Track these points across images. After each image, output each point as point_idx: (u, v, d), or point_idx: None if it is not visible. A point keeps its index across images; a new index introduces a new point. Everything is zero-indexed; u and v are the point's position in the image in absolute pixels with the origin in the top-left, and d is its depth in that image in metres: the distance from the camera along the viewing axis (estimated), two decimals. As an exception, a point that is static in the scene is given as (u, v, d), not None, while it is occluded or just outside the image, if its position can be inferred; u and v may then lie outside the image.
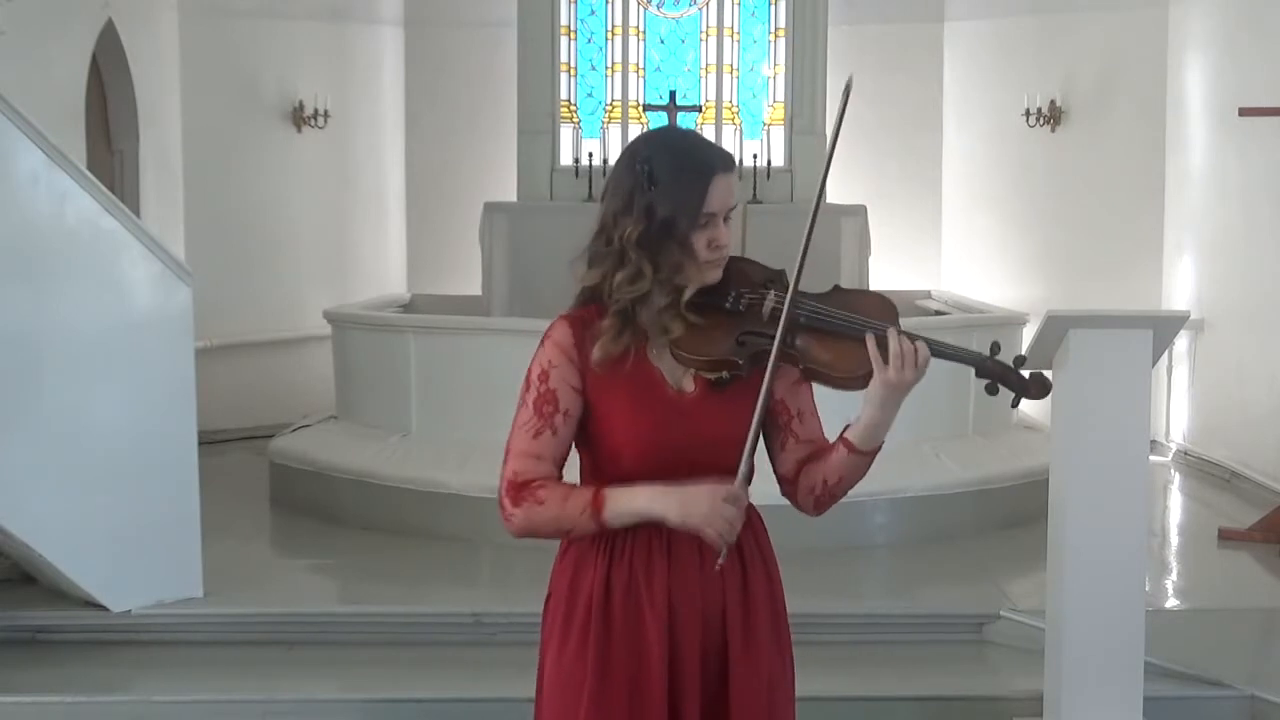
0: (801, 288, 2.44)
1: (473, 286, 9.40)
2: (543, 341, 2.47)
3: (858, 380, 2.41)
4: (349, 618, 5.54)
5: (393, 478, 6.77)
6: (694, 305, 2.42)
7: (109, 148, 8.44)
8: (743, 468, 2.37)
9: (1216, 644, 5.23)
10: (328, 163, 9.89)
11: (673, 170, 2.39)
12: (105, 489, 5.18)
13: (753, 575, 2.52)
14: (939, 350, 2.40)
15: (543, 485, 2.43)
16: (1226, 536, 6.72)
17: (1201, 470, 8.29)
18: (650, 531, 2.45)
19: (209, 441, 6.91)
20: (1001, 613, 5.37)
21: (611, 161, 9.44)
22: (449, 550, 6.35)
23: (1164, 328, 4.34)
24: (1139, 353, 4.22)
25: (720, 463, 2.41)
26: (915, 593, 6.01)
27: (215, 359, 8.45)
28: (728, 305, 2.44)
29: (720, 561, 2.39)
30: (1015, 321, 7.78)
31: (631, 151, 2.46)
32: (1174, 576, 6.26)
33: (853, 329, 2.40)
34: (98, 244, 5.23)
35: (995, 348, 2.44)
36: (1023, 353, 2.48)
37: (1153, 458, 6.20)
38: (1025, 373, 2.42)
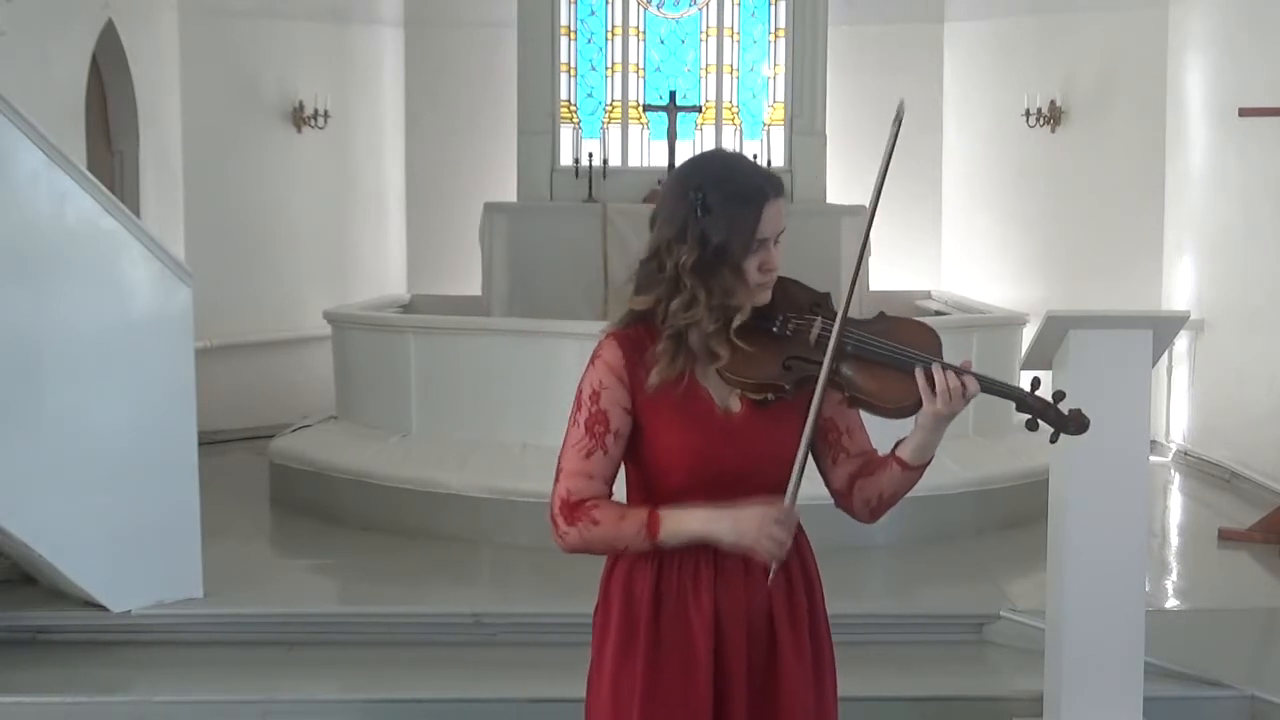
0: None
1: (473, 286, 9.40)
2: (593, 360, 2.50)
3: (903, 410, 2.43)
4: (349, 618, 5.54)
5: (393, 478, 6.77)
6: (742, 328, 2.45)
7: (109, 148, 8.44)
8: (791, 488, 2.41)
9: (1216, 644, 5.23)
10: (328, 163, 9.89)
11: (725, 198, 2.41)
12: (105, 489, 5.18)
13: (796, 585, 2.56)
14: (983, 384, 2.42)
15: (596, 505, 2.46)
16: (1226, 537, 6.72)
17: (1201, 470, 8.29)
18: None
19: (209, 441, 6.91)
20: (1001, 613, 5.38)
21: (612, 162, 9.56)
22: (449, 550, 6.35)
23: (1164, 328, 4.35)
24: (1139, 353, 4.23)
25: (767, 480, 2.45)
26: (915, 593, 6.01)
27: (215, 359, 8.46)
28: (775, 329, 2.47)
29: (771, 577, 2.43)
30: (1015, 322, 7.78)
31: (683, 179, 2.47)
32: (1174, 576, 6.26)
33: (898, 359, 2.43)
34: (98, 244, 5.23)
35: (1035, 383, 2.45)
36: (1061, 389, 2.46)
37: (1153, 458, 6.20)
38: (1064, 409, 2.42)
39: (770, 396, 2.45)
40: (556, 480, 2.50)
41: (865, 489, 2.56)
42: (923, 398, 2.39)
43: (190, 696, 4.88)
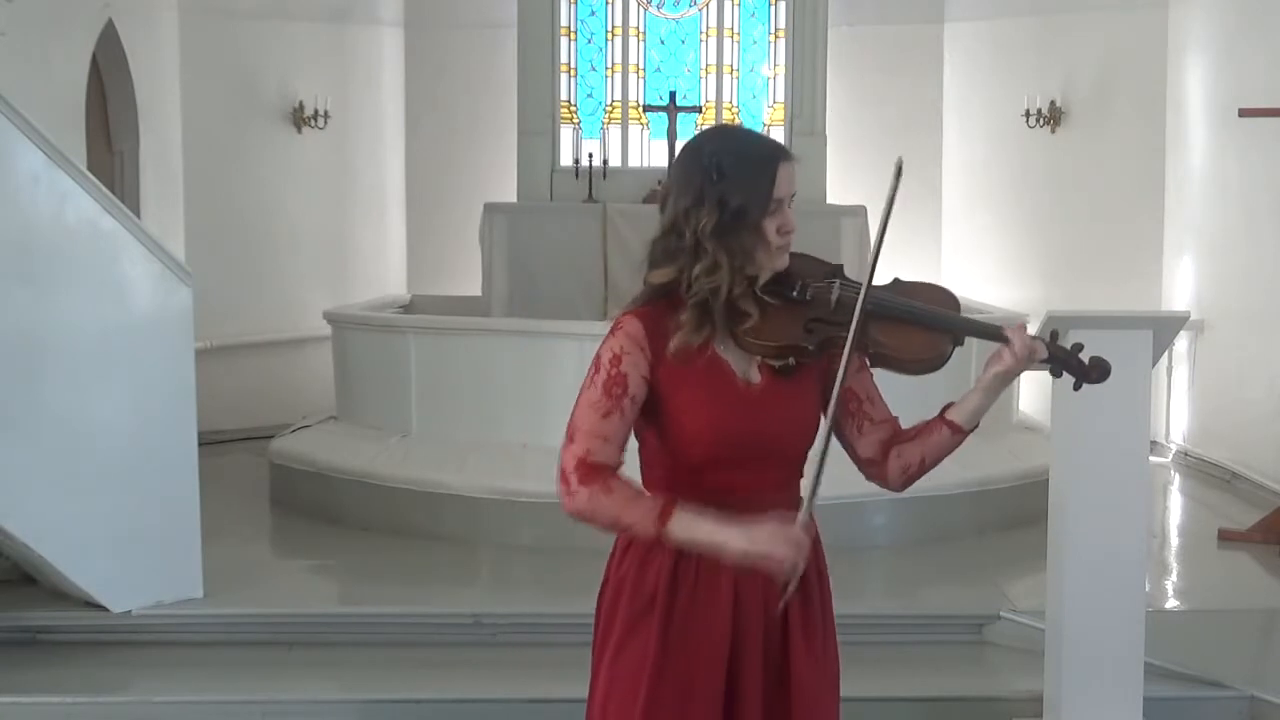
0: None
1: (473, 286, 9.40)
2: (613, 331, 2.50)
3: (927, 364, 2.48)
4: (349, 618, 5.54)
5: (393, 478, 6.77)
6: (762, 294, 2.49)
7: (109, 148, 8.44)
8: (806, 504, 2.42)
9: (1216, 644, 5.23)
10: (328, 163, 9.89)
11: (740, 161, 2.46)
12: (105, 489, 5.18)
13: (809, 575, 2.54)
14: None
15: (615, 476, 2.44)
16: (1226, 537, 6.72)
17: (1201, 471, 8.29)
18: None
19: (209, 442, 6.90)
20: (1001, 613, 5.38)
21: (612, 162, 9.56)
22: (449, 550, 6.35)
23: (1164, 328, 4.35)
24: (1139, 353, 4.23)
25: (787, 450, 2.50)
26: (915, 593, 6.01)
27: (215, 359, 8.45)
28: (794, 294, 2.50)
29: (785, 600, 2.43)
30: (1015, 322, 7.76)
31: (695, 148, 2.52)
32: (1174, 577, 6.26)
33: (919, 315, 2.48)
34: (98, 244, 5.23)
35: (1055, 335, 2.53)
36: (1081, 340, 2.53)
37: (1153, 458, 6.20)
38: (1085, 358, 2.49)
39: (792, 360, 2.48)
40: (571, 440, 2.46)
41: (905, 454, 2.57)
42: (1003, 354, 2.45)
43: (190, 696, 4.88)
